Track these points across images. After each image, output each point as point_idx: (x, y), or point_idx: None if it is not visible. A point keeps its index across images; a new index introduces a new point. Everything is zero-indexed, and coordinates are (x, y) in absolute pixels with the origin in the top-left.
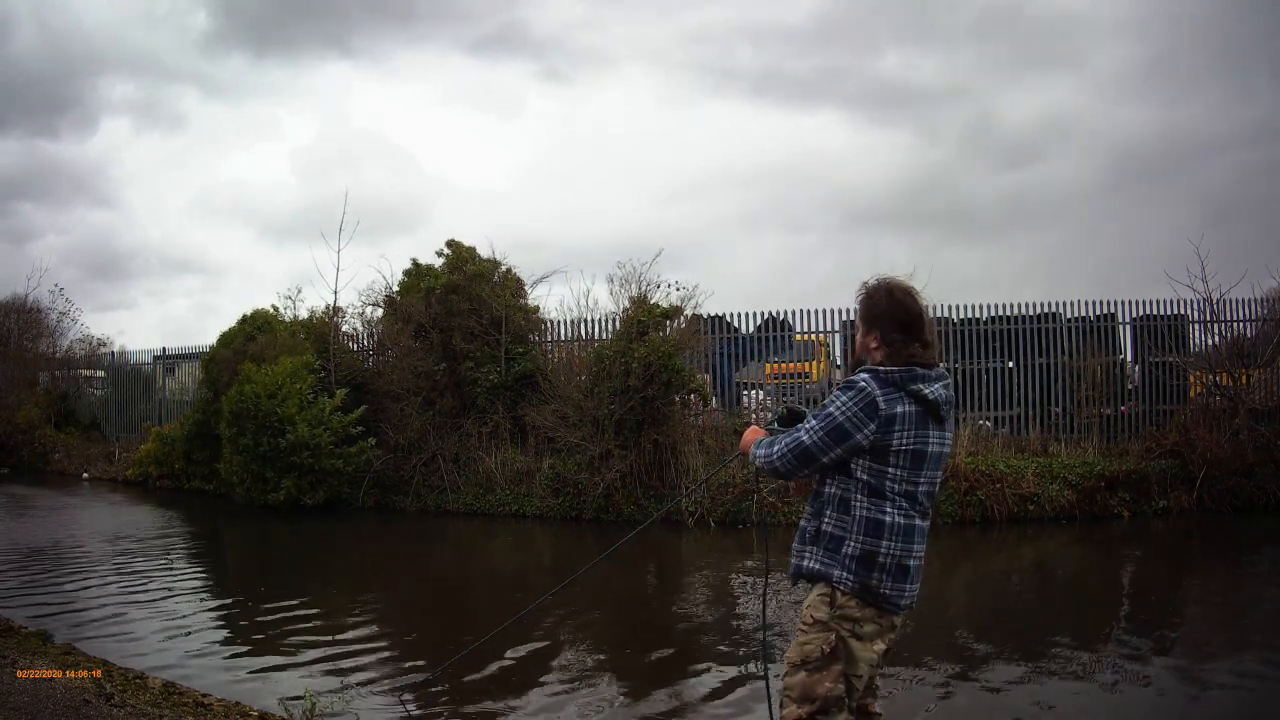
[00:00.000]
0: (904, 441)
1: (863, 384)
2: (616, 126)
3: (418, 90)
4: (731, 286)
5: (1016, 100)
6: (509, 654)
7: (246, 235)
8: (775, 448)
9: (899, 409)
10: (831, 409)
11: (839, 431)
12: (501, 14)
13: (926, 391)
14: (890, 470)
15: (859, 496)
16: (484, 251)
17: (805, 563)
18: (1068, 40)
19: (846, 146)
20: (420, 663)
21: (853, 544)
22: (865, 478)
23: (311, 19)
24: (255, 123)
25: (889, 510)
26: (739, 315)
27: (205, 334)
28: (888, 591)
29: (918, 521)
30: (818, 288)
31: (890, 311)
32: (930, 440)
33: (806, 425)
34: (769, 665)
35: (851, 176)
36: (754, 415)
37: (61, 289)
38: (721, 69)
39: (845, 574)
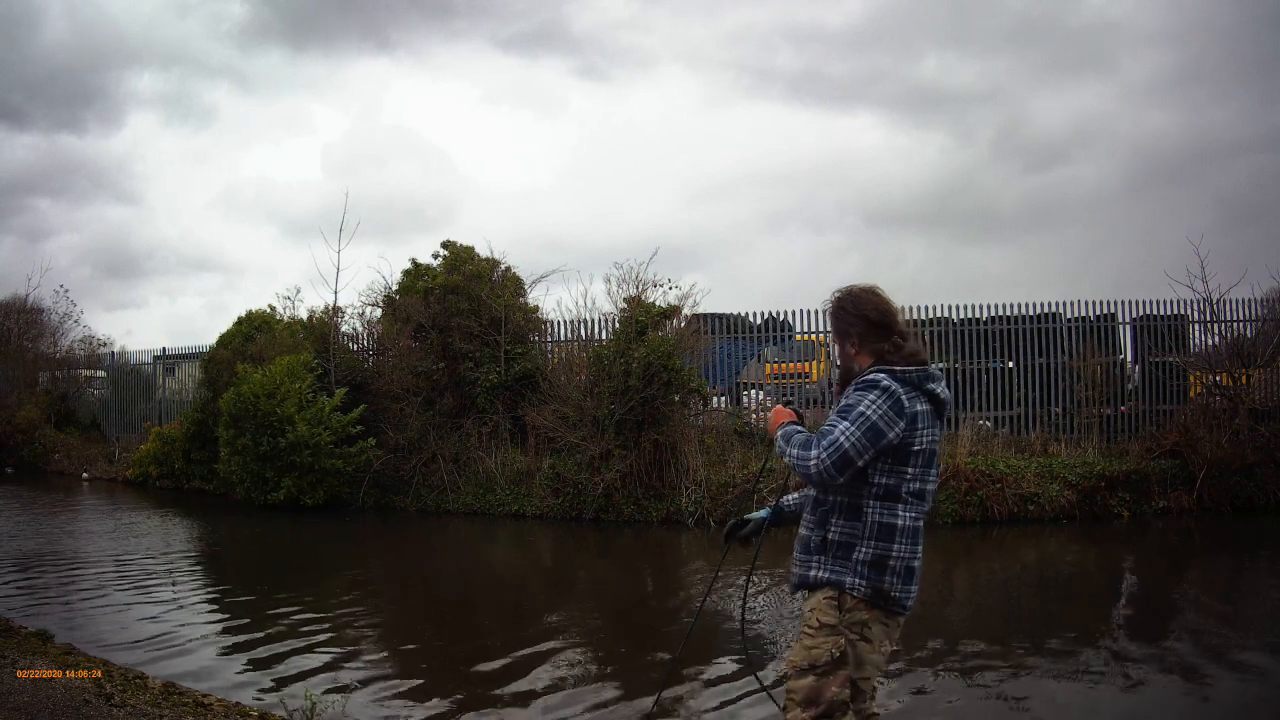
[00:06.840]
0: (923, 441)
1: (886, 383)
2: (651, 125)
3: (453, 86)
4: (751, 286)
5: (1047, 104)
6: (507, 654)
7: (269, 233)
8: (814, 452)
9: (919, 408)
10: (862, 408)
11: (875, 431)
12: (542, 11)
13: (939, 391)
14: (909, 470)
15: (871, 502)
16: (483, 251)
17: (813, 572)
18: (1101, 46)
19: (880, 148)
20: (421, 667)
21: (864, 550)
22: (883, 481)
23: (350, 11)
24: (286, 118)
25: (901, 513)
26: (739, 316)
27: (213, 334)
28: (897, 594)
29: (921, 522)
30: (835, 288)
31: (859, 312)
32: (937, 438)
33: (841, 428)
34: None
35: (880, 177)
36: (754, 415)
37: (66, 290)
38: (760, 69)
39: (857, 580)
